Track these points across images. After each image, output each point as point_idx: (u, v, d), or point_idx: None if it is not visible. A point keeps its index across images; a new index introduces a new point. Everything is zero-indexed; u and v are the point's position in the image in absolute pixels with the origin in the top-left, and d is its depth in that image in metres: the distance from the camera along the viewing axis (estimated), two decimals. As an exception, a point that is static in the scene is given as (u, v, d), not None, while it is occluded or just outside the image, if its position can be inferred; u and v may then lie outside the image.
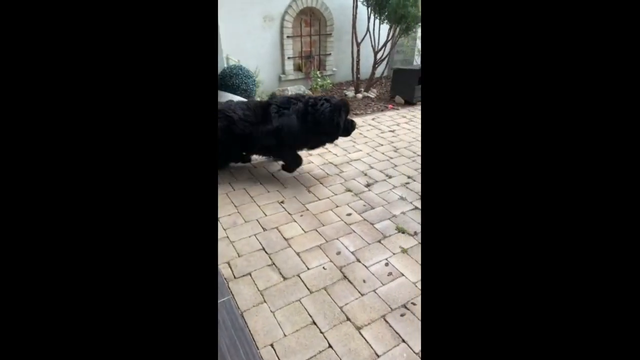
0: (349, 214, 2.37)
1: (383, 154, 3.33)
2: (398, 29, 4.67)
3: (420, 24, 4.68)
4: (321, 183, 2.77)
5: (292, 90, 4.96)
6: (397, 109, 4.69)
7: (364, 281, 1.80)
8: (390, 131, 3.92)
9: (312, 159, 3.19)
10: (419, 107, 4.75)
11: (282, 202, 2.51)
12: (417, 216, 2.35)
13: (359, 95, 5.08)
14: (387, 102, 4.98)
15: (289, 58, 5.14)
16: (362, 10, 4.90)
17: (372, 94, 5.26)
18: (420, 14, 4.44)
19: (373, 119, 4.30)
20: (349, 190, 2.66)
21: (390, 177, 2.89)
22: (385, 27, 4.89)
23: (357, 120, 4.26)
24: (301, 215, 2.35)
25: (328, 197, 2.57)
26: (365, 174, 2.92)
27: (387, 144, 3.58)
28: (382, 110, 4.64)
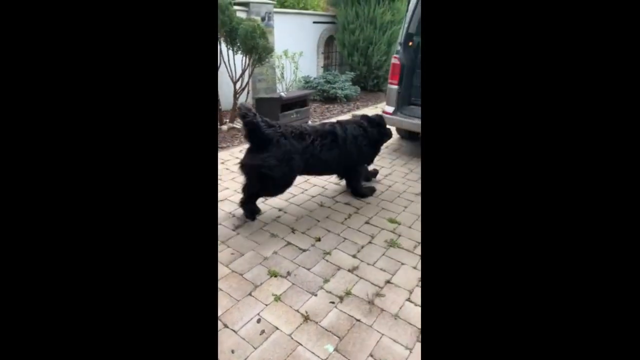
0: (215, 269, 2.07)
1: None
2: (251, 59, 4.68)
3: (272, 54, 4.81)
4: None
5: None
6: (265, 138, 4.64)
7: (233, 351, 1.54)
8: (259, 162, 3.80)
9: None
10: (286, 133, 4.82)
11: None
12: (290, 252, 2.24)
13: (224, 127, 4.84)
14: (255, 131, 4.89)
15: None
16: (213, 41, 4.73)
17: (238, 124, 5.09)
18: (269, 45, 4.55)
19: (241, 151, 4.12)
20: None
21: (259, 213, 2.72)
22: (240, 57, 4.84)
23: (224, 154, 4.00)
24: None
25: (188, 253, 2.21)
26: (234, 215, 2.68)
27: (256, 176, 3.43)
28: (250, 141, 4.51)
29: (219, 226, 2.52)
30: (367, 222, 2.62)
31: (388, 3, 6.74)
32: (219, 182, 3.23)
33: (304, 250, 2.27)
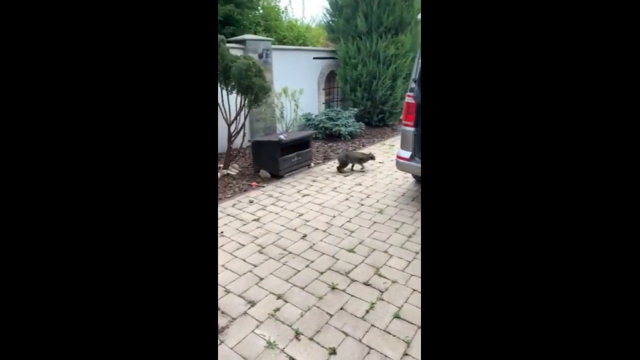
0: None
1: (244, 261, 2.51)
2: (247, 100, 4.21)
3: (269, 93, 4.35)
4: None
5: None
6: (263, 186, 4.05)
7: None
8: (255, 220, 3.19)
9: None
10: (287, 181, 4.25)
11: None
12: (294, 379, 1.55)
13: (217, 175, 4.27)
14: (252, 178, 4.32)
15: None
16: (205, 81, 4.30)
17: (234, 170, 4.54)
18: (266, 84, 4.10)
19: (234, 205, 3.51)
20: (188, 355, 1.68)
21: (253, 304, 2.05)
22: (234, 97, 4.39)
23: (213, 210, 3.39)
24: None
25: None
26: (218, 308, 2.01)
27: (250, 241, 2.79)
28: (245, 190, 3.92)
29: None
30: (397, 316, 1.94)
31: (391, 37, 6.45)
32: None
33: (314, 374, 1.58)
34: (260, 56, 5.39)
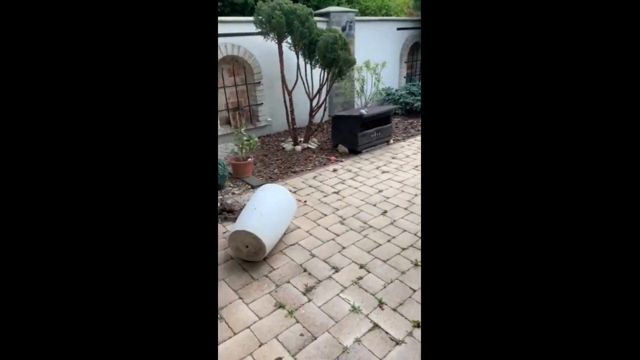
0: (278, 360, 1.56)
1: (327, 229, 2.63)
2: (331, 73, 4.22)
3: (354, 67, 4.29)
4: (240, 297, 1.95)
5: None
6: (341, 161, 4.11)
7: None
8: (335, 192, 3.28)
9: (230, 252, 2.38)
10: (365, 157, 4.23)
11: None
12: (377, 344, 1.61)
13: (298, 148, 4.47)
14: (330, 152, 4.41)
15: (212, 112, 4.43)
16: (292, 55, 4.43)
17: (313, 144, 4.68)
18: (351, 57, 4.04)
19: (315, 177, 3.66)
20: (281, 306, 1.87)
21: (337, 269, 2.16)
22: (318, 71, 4.45)
23: (297, 180, 3.58)
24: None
25: (248, 327, 1.74)
26: (305, 269, 2.17)
27: (332, 212, 2.90)
28: (324, 164, 4.03)
29: (286, 285, 2.03)
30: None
31: None
32: (292, 219, 2.77)
33: (398, 343, 1.62)
34: (344, 28, 5.29)
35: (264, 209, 2.28)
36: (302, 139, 4.64)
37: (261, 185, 3.47)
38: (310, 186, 3.43)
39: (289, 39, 4.14)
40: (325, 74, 4.26)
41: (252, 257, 2.21)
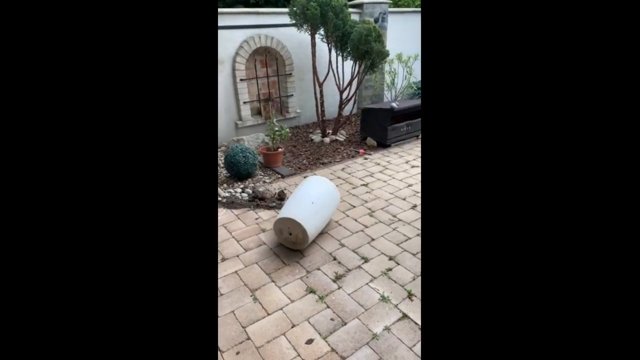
0: (310, 341, 1.62)
1: (356, 220, 2.66)
2: (363, 66, 4.20)
3: (386, 59, 4.24)
4: (273, 281, 2.03)
5: (248, 140, 4.31)
6: (370, 154, 4.11)
7: None
8: (364, 184, 3.29)
9: (264, 238, 2.46)
10: (394, 150, 4.19)
11: (213, 324, 1.73)
12: (407, 333, 1.64)
13: (327, 140, 4.50)
14: (358, 145, 4.41)
15: (244, 103, 4.55)
16: (324, 47, 4.44)
17: (341, 136, 4.70)
18: (385, 49, 4.00)
19: (343, 169, 3.68)
20: (312, 291, 1.93)
21: (366, 260, 2.19)
22: (349, 63, 4.43)
23: (325, 171, 3.63)
24: (237, 354, 1.58)
25: (280, 309, 1.82)
26: (334, 258, 2.22)
27: (361, 204, 2.92)
28: (352, 157, 4.05)
29: (317, 272, 2.09)
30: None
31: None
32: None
33: (428, 334, 1.64)
34: (376, 20, 5.22)
35: (320, 207, 2.31)
36: (330, 131, 4.66)
37: (291, 175, 3.54)
38: (338, 177, 3.47)
39: (321, 31, 4.15)
40: (357, 66, 4.24)
41: (289, 244, 2.29)
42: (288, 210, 2.26)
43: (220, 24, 4.07)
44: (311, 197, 2.36)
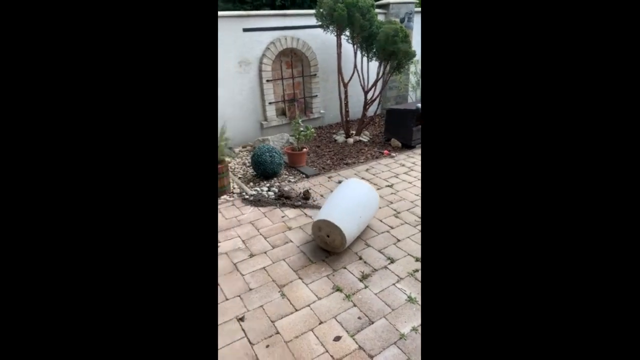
0: (337, 338, 1.65)
1: (382, 221, 2.66)
2: (388, 67, 4.18)
3: (412, 60, 4.20)
4: (300, 278, 2.07)
5: (273, 140, 4.39)
6: (394, 155, 4.08)
7: None
8: (388, 186, 3.28)
9: (290, 235, 2.51)
10: (419, 152, 4.15)
11: (241, 318, 1.79)
12: (436, 335, 1.63)
13: (350, 140, 4.51)
14: (382, 146, 4.39)
15: (270, 103, 4.64)
16: (349, 48, 4.46)
17: (365, 137, 4.69)
18: (411, 49, 3.96)
19: (367, 170, 3.68)
20: (338, 289, 1.96)
21: (392, 260, 2.19)
22: (374, 64, 4.43)
23: (349, 172, 3.64)
24: (267, 347, 1.62)
25: (308, 305, 1.85)
26: (360, 257, 2.23)
27: (386, 205, 2.92)
28: (376, 158, 4.04)
29: (343, 271, 2.11)
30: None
31: None
32: (343, 208, 2.84)
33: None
34: (402, 20, 5.18)
35: (364, 222, 2.31)
36: (354, 132, 4.67)
37: (315, 175, 3.58)
38: (363, 178, 3.47)
39: (347, 32, 4.17)
40: (383, 67, 4.23)
41: (321, 243, 2.31)
42: (336, 214, 2.21)
43: (248, 26, 4.17)
44: (359, 210, 2.31)
